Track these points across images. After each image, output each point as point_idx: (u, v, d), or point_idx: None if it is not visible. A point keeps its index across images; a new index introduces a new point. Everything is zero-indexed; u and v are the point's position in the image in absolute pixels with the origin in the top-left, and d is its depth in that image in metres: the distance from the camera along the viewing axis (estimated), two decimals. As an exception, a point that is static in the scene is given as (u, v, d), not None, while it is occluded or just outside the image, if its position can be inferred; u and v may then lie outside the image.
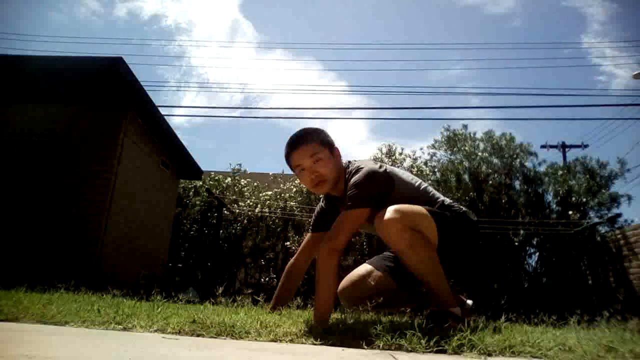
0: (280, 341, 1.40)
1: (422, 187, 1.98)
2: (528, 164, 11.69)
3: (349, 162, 1.98)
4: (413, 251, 1.68)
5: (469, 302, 1.88)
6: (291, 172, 2.17)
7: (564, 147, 15.77)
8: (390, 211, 1.66)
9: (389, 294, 2.00)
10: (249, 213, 12.52)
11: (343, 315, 1.96)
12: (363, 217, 1.76)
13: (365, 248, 11.17)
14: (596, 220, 10.57)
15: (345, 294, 2.11)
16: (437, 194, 2.00)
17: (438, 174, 12.17)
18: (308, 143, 1.87)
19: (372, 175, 1.81)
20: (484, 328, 1.47)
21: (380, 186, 1.83)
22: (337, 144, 1.98)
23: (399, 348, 1.27)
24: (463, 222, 1.90)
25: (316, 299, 1.71)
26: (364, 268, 2.20)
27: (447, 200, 1.96)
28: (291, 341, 1.39)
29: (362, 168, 1.85)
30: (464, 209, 1.96)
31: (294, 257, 2.31)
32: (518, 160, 11.61)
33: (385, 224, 1.66)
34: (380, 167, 1.89)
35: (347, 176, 1.89)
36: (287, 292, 2.28)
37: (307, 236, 2.30)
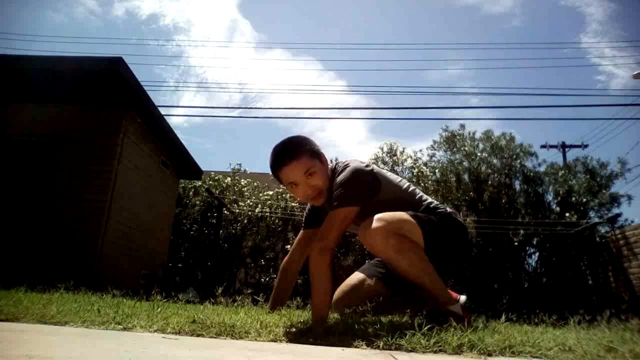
0: (280, 341, 1.39)
1: (410, 189, 1.98)
2: (528, 164, 11.69)
3: (336, 163, 1.96)
4: (402, 255, 1.67)
5: (462, 297, 1.87)
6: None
7: (564, 147, 15.78)
8: (373, 221, 1.66)
9: (383, 300, 2.00)
10: (249, 213, 12.51)
11: (343, 316, 1.96)
12: (351, 215, 1.76)
13: (365, 248, 11.16)
14: (596, 220, 10.58)
15: (339, 304, 2.10)
16: (424, 196, 2.00)
17: (438, 174, 12.17)
18: (300, 158, 1.81)
19: (357, 173, 1.80)
20: (484, 328, 1.47)
21: (366, 184, 1.82)
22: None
23: (399, 348, 1.27)
24: (449, 223, 1.89)
25: (313, 299, 1.71)
26: (356, 277, 2.20)
27: (433, 202, 1.96)
28: (291, 341, 1.39)
29: (347, 167, 1.84)
30: (449, 209, 1.96)
31: (287, 255, 2.31)
32: (518, 160, 11.61)
33: (369, 234, 1.65)
34: (367, 165, 1.89)
35: (335, 175, 1.88)
36: (285, 292, 2.27)
37: (300, 233, 2.30)
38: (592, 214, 10.81)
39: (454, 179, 11.59)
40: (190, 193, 12.89)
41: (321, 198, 1.89)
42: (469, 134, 12.34)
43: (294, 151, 1.82)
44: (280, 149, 1.86)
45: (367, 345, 1.30)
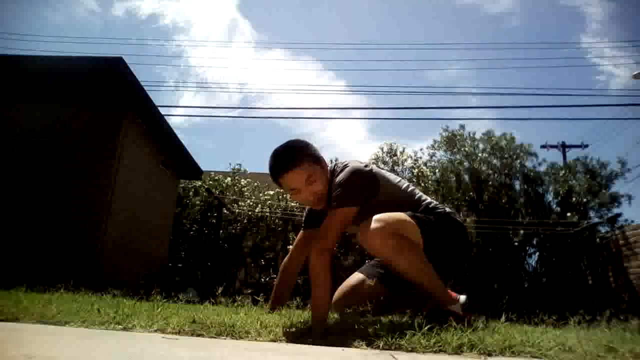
0: (280, 341, 1.39)
1: (409, 189, 1.98)
2: (528, 164, 11.71)
3: (335, 163, 1.97)
4: (401, 255, 1.68)
5: (462, 297, 1.87)
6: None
7: (564, 147, 15.76)
8: (372, 222, 1.66)
9: (383, 300, 2.00)
10: (249, 213, 12.52)
11: (343, 316, 1.96)
12: (350, 215, 1.76)
13: (366, 248, 11.16)
14: (596, 220, 10.59)
15: (339, 304, 2.10)
16: (423, 196, 2.00)
17: (438, 174, 12.18)
18: (302, 165, 1.80)
19: (356, 173, 1.80)
20: (484, 328, 1.47)
21: (365, 184, 1.82)
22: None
23: (399, 348, 1.27)
24: (448, 223, 1.90)
25: (313, 299, 1.71)
26: (355, 278, 2.20)
27: (432, 202, 1.97)
28: (291, 341, 1.39)
29: (346, 167, 1.84)
30: (448, 209, 1.97)
31: (287, 256, 2.31)
32: (518, 160, 11.62)
33: (368, 235, 1.66)
34: (366, 166, 1.89)
35: (334, 176, 1.87)
36: (284, 292, 2.27)
37: (300, 234, 2.30)
38: (592, 214, 10.82)
39: (454, 179, 11.60)
40: (190, 193, 12.90)
41: (321, 203, 1.90)
42: (469, 134, 12.37)
43: (295, 158, 1.81)
44: (282, 155, 1.84)
45: (367, 345, 1.30)
